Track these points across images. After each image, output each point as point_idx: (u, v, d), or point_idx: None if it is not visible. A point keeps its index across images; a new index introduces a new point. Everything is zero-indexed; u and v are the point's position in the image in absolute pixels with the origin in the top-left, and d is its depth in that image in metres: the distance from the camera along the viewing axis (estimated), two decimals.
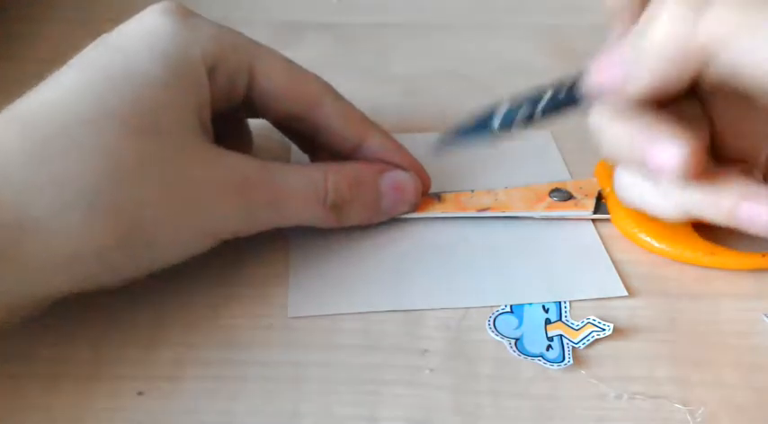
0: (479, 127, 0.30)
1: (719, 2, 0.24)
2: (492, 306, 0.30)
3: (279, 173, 0.30)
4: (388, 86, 0.43)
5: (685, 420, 0.26)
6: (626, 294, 0.31)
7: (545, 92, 0.28)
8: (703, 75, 0.25)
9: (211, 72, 0.30)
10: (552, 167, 0.37)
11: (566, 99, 0.28)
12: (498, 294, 0.31)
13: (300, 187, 0.30)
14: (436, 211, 0.34)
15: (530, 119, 0.29)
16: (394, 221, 0.33)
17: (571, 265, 0.32)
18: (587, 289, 0.31)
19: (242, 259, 0.32)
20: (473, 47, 0.47)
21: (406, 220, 0.33)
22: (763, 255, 0.31)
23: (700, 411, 0.26)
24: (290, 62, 0.33)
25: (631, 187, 0.29)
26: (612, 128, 0.27)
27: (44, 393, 0.27)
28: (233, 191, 0.29)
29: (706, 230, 0.33)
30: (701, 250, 0.32)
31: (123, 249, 0.26)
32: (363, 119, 0.34)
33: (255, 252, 0.32)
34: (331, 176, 0.31)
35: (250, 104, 0.32)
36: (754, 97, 0.25)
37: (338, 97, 0.33)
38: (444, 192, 0.35)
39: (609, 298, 0.30)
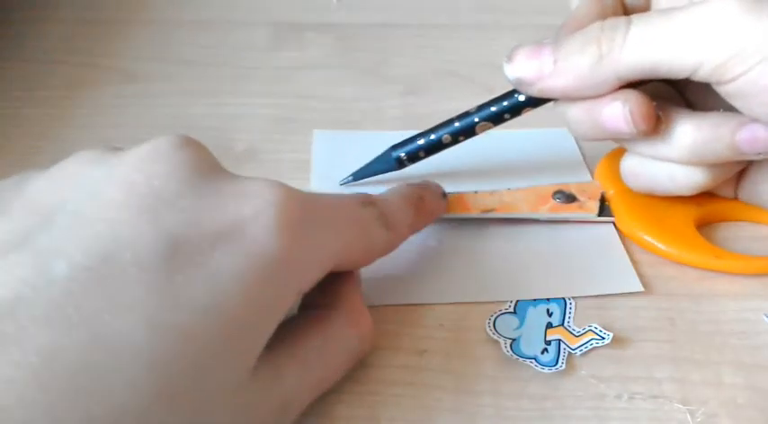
0: (386, 159, 0.34)
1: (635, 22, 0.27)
2: (503, 301, 0.30)
3: None
4: (388, 86, 0.43)
5: (685, 420, 0.26)
6: (642, 289, 0.31)
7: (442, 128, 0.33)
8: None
9: None
10: (571, 165, 0.38)
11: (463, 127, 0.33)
12: (509, 289, 0.31)
13: None
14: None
15: (433, 147, 0.34)
16: None
17: (586, 261, 0.32)
18: (601, 285, 0.31)
19: None
20: (473, 47, 0.47)
21: None
22: None
23: (700, 411, 0.26)
24: None
25: (639, 170, 0.31)
26: (571, 110, 0.30)
27: None
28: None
29: (710, 232, 0.33)
30: (706, 253, 0.32)
31: None
32: None
33: None
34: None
35: None
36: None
37: None
38: (448, 193, 0.35)
39: (611, 298, 0.30)
